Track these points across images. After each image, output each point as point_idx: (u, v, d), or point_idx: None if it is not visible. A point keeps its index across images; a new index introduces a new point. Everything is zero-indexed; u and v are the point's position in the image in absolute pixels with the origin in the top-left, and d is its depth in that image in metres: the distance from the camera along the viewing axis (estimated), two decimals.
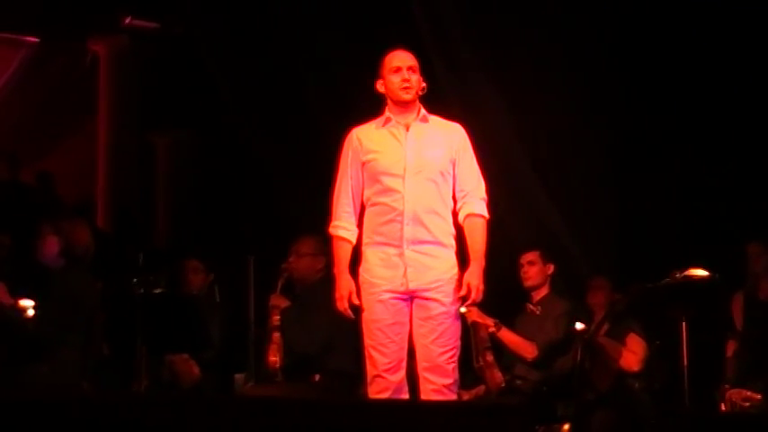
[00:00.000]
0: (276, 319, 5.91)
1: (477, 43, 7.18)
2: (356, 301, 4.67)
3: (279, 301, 5.95)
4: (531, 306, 6.36)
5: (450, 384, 4.67)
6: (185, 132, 11.52)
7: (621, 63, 7.07)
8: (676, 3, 6.91)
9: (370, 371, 4.69)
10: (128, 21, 10.86)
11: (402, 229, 4.63)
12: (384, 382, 4.64)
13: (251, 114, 8.88)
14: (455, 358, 4.69)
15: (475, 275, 4.63)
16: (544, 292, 6.35)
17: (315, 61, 8.23)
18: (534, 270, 6.32)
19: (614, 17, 7.05)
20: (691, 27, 6.83)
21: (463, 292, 4.64)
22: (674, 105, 6.94)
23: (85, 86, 11.42)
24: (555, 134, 7.18)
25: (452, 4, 7.22)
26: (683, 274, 5.34)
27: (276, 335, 5.89)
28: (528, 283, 6.35)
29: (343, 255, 4.75)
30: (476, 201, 4.74)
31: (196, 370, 6.31)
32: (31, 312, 5.50)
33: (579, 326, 5.92)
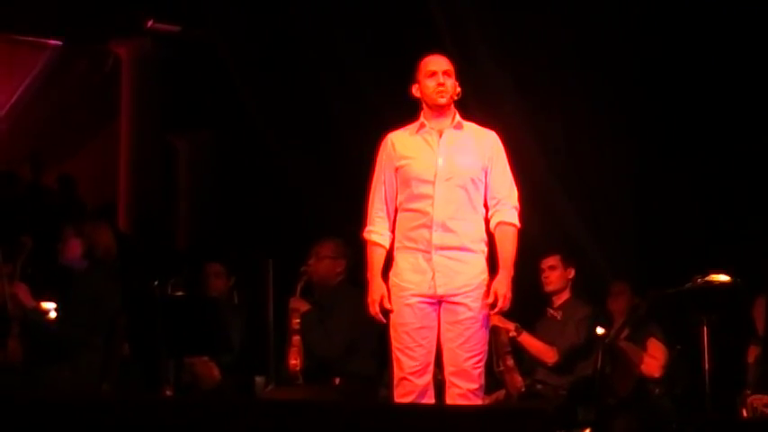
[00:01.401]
0: (296, 322, 5.92)
1: (496, 46, 7.17)
2: (388, 306, 4.69)
3: (299, 305, 5.96)
4: (552, 310, 6.35)
5: (476, 389, 4.67)
6: (207, 135, 11.55)
7: (641, 65, 7.05)
8: (699, 3, 6.88)
9: (396, 373, 4.71)
10: (150, 24, 10.90)
11: (431, 234, 4.65)
12: (410, 384, 4.65)
13: (272, 117, 8.89)
14: (481, 363, 4.69)
15: (503, 284, 4.64)
16: (565, 296, 6.34)
17: (335, 63, 8.23)
18: (555, 275, 6.32)
19: (635, 17, 7.02)
20: (713, 27, 6.79)
21: (490, 300, 4.64)
22: (695, 108, 6.91)
23: (107, 89, 11.47)
24: (574, 137, 7.16)
25: (472, 8, 7.21)
26: (704, 279, 5.32)
27: (296, 338, 5.90)
28: (549, 288, 6.34)
29: (376, 259, 4.76)
30: (507, 209, 4.75)
31: (216, 372, 6.33)
32: (53, 314, 5.53)
33: (600, 330, 5.90)
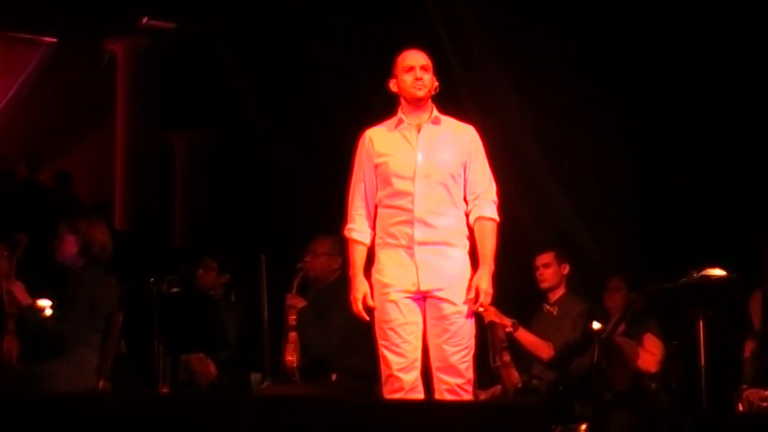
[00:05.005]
0: (293, 318, 5.92)
1: (492, 42, 7.17)
2: (371, 303, 4.70)
3: (295, 301, 5.96)
4: (548, 306, 6.35)
5: (464, 384, 4.68)
6: (203, 132, 11.56)
7: (637, 61, 7.05)
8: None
9: (384, 370, 4.72)
10: (145, 21, 10.90)
11: (412, 230, 4.66)
12: (398, 381, 4.66)
13: (267, 114, 8.89)
14: (468, 357, 4.70)
15: (483, 279, 4.65)
16: (561, 292, 6.34)
17: (331, 60, 8.23)
18: (550, 272, 6.31)
19: (630, 12, 7.02)
20: (708, 22, 6.79)
21: (471, 296, 4.65)
22: (691, 104, 6.91)
23: (103, 86, 11.47)
24: (571, 133, 7.16)
25: (468, 4, 7.20)
26: (700, 274, 5.32)
27: (293, 334, 5.90)
28: (544, 285, 6.34)
29: (357, 257, 4.78)
30: (486, 203, 4.75)
31: (212, 369, 6.34)
32: (48, 312, 5.52)
33: (596, 325, 5.91)
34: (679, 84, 6.95)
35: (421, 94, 4.71)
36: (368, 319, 4.74)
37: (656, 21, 6.96)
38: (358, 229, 4.80)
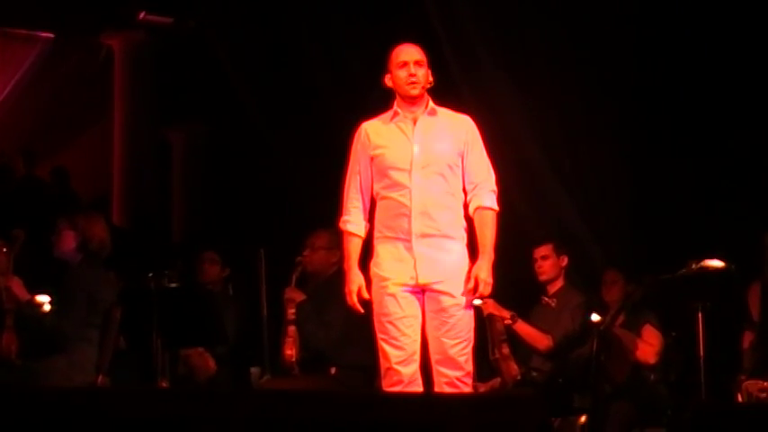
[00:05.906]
0: (291, 312, 5.92)
1: (490, 35, 7.16)
2: (366, 296, 4.69)
3: (294, 295, 5.96)
4: (547, 298, 6.35)
5: (463, 376, 4.68)
6: (200, 127, 11.55)
7: (636, 53, 7.04)
8: None
9: (382, 363, 4.72)
10: (142, 15, 10.88)
11: (410, 223, 4.65)
12: (397, 374, 4.66)
13: (265, 108, 8.88)
14: (467, 350, 4.70)
15: (483, 269, 4.64)
16: (559, 284, 6.34)
17: (329, 55, 8.22)
18: (548, 264, 6.32)
19: (629, 12, 7.01)
20: (707, 21, 6.79)
21: (471, 286, 4.64)
22: (689, 95, 6.91)
23: (100, 82, 11.45)
24: (569, 126, 7.16)
25: (467, 3, 7.19)
26: (698, 265, 5.32)
27: (292, 328, 5.90)
28: (542, 278, 6.34)
29: (352, 249, 4.78)
30: (485, 193, 4.74)
31: (212, 364, 6.34)
32: (47, 307, 5.53)
33: (595, 317, 5.91)
34: (678, 77, 6.95)
35: (415, 92, 4.71)
36: (362, 311, 4.74)
37: (655, 20, 6.96)
38: (353, 221, 4.80)
